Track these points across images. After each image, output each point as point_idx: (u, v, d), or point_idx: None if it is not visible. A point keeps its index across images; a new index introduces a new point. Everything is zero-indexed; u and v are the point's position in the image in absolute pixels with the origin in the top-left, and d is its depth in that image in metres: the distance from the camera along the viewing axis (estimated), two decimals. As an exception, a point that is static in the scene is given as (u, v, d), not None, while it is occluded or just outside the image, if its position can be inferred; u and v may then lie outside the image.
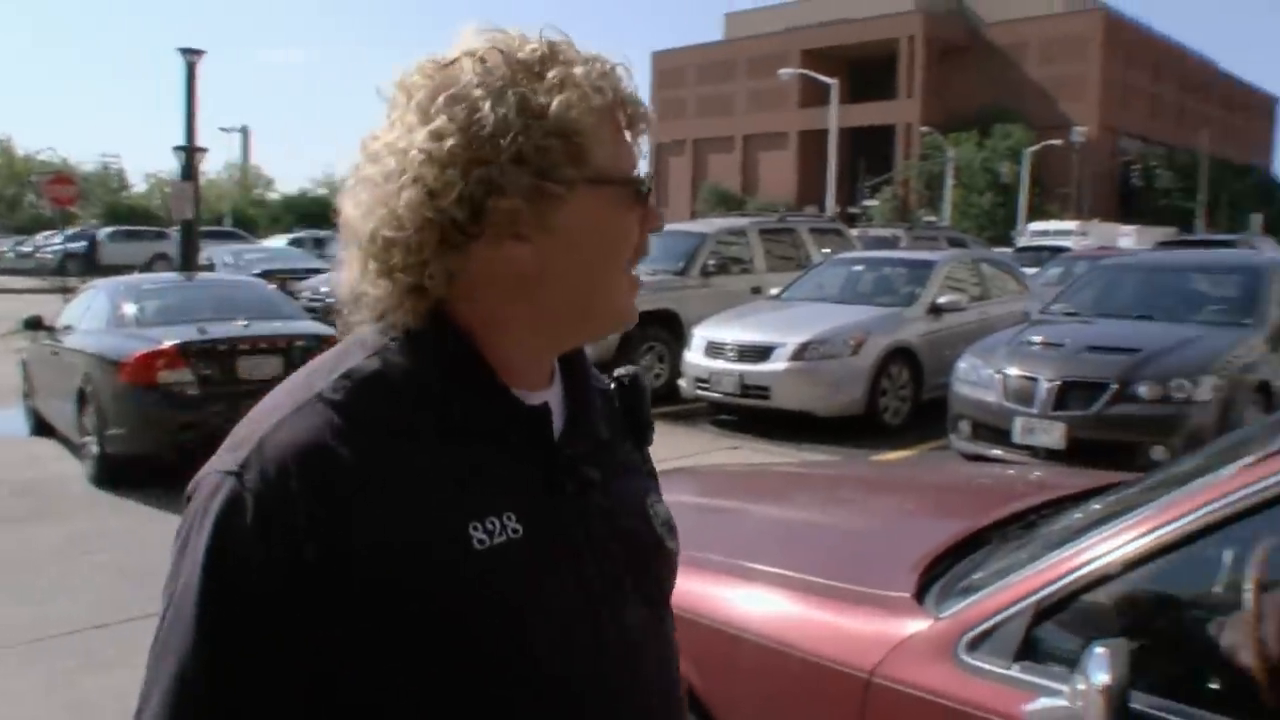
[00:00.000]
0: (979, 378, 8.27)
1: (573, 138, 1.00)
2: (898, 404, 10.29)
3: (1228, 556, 2.11)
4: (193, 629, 0.93)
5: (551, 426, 1.08)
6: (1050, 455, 7.49)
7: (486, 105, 0.98)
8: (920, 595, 2.25)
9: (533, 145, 0.99)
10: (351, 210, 1.04)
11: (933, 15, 71.26)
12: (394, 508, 0.95)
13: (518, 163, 0.99)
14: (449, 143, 0.98)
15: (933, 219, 46.12)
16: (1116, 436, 7.33)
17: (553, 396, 1.11)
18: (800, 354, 9.83)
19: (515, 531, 1.00)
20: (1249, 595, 1.91)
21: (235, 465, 0.95)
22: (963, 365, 8.58)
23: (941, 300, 10.99)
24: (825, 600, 2.35)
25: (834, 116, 40.75)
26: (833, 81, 40.07)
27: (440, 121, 0.99)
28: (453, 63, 1.02)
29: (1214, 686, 1.94)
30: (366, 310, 1.06)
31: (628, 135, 1.08)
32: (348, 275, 1.06)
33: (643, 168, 1.09)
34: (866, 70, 68.74)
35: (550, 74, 1.01)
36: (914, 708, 2.00)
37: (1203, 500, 1.91)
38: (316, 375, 1.03)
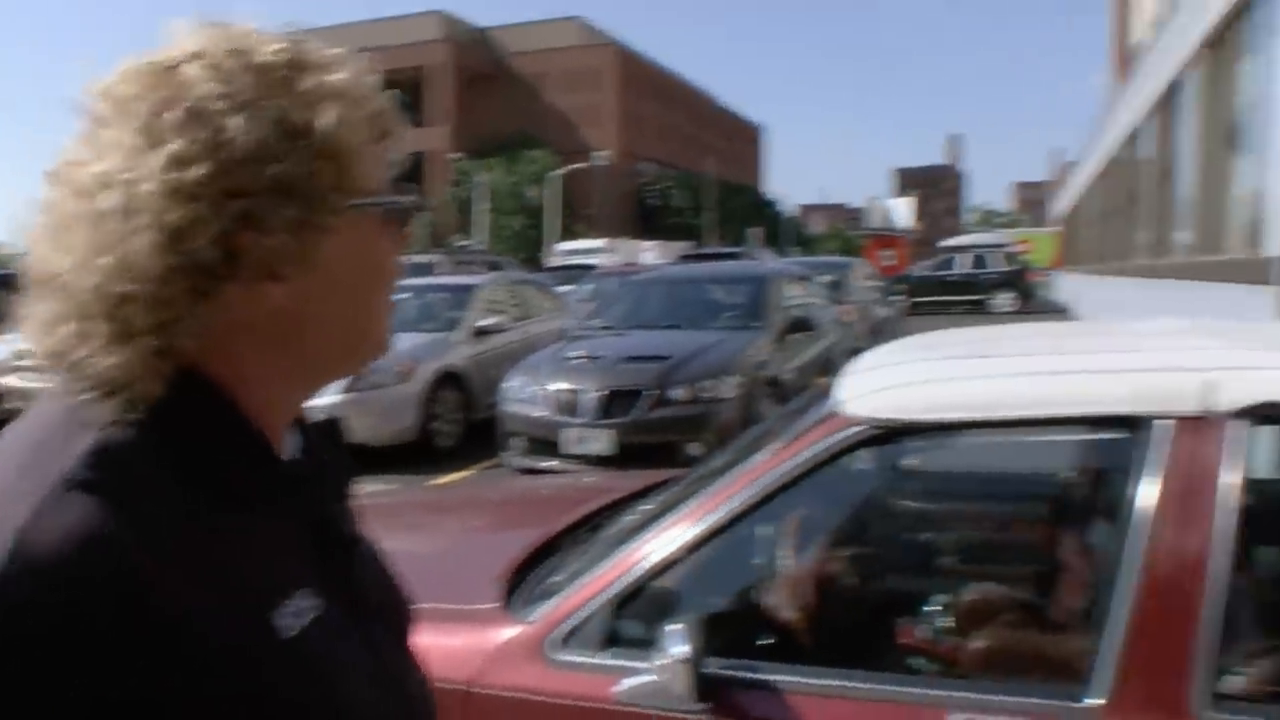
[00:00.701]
0: (527, 394, 8.59)
1: (340, 159, 0.87)
2: (450, 427, 10.43)
3: (767, 530, 2.43)
4: None
5: (311, 485, 0.97)
6: (601, 462, 7.92)
7: (236, 123, 0.82)
8: (507, 604, 2.38)
9: (297, 170, 0.84)
10: (54, 258, 0.84)
11: (459, 44, 72.82)
12: (195, 598, 0.80)
13: (281, 192, 0.84)
14: (195, 171, 0.81)
15: (468, 243, 47.07)
16: (658, 438, 7.90)
17: (291, 449, 0.99)
18: (350, 385, 9.70)
19: (316, 608, 0.88)
20: (785, 561, 2.22)
21: None
22: (510, 384, 8.87)
23: (484, 323, 11.29)
24: (421, 624, 2.41)
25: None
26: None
27: (179, 144, 0.81)
28: (175, 68, 0.84)
29: (768, 642, 2.23)
30: (89, 382, 0.84)
31: (380, 148, 0.94)
32: (48, 341, 0.85)
33: (396, 183, 0.98)
34: (396, 98, 68.80)
35: (305, 82, 0.87)
36: (514, 709, 2.12)
37: (741, 485, 2.19)
38: (45, 458, 0.81)
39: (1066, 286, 30.03)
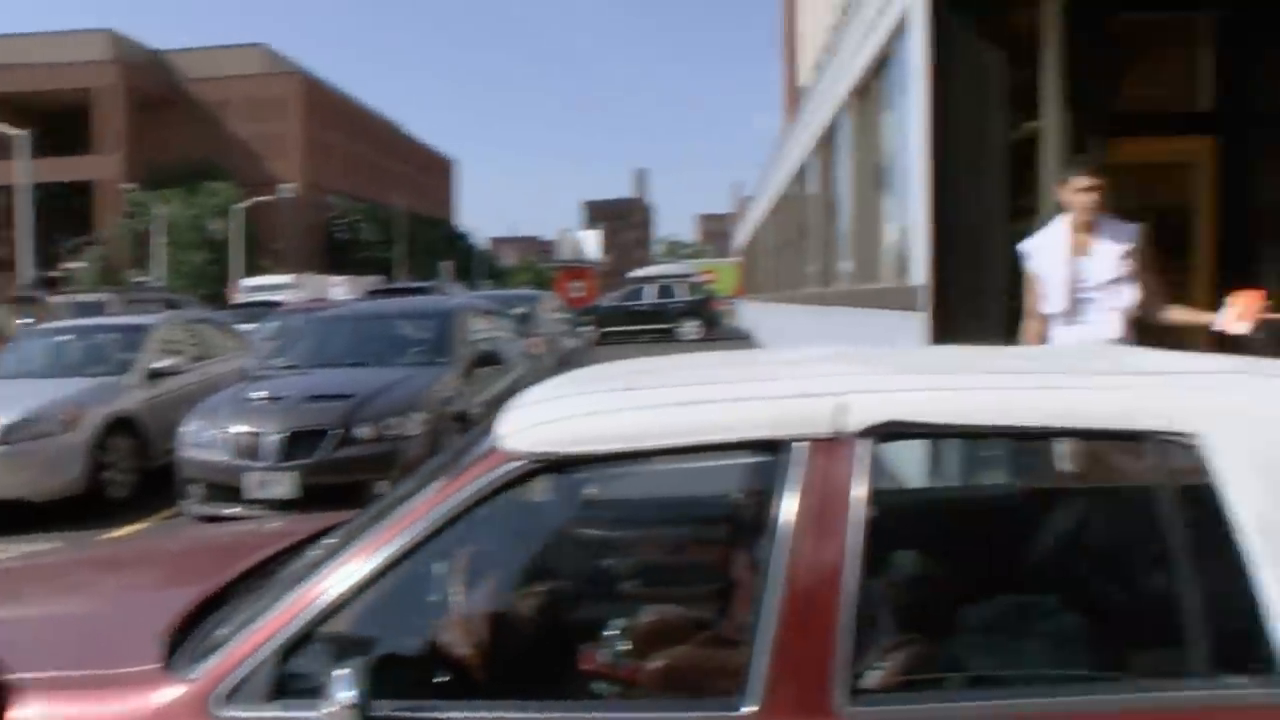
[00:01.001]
0: (205, 439, 8.24)
1: None
2: (123, 477, 9.79)
3: (439, 567, 2.44)
4: None
5: None
6: (285, 505, 7.68)
7: None
8: (169, 662, 2.27)
9: None
10: None
11: (131, 66, 68.26)
12: None
13: None
14: None
15: (144, 279, 44.45)
16: (344, 478, 7.75)
17: None
18: (6, 438, 8.94)
19: None
20: (457, 597, 2.24)
21: None
22: (188, 428, 8.48)
23: (159, 364, 10.68)
24: (72, 694, 2.25)
25: (26, 172, 37.28)
26: (23, 133, 36.65)
27: None
28: None
29: (443, 679, 2.24)
30: None
31: None
32: None
33: None
34: (59, 122, 63.57)
35: None
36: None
37: (407, 523, 2.20)
38: None
39: (748, 314, 31.61)
